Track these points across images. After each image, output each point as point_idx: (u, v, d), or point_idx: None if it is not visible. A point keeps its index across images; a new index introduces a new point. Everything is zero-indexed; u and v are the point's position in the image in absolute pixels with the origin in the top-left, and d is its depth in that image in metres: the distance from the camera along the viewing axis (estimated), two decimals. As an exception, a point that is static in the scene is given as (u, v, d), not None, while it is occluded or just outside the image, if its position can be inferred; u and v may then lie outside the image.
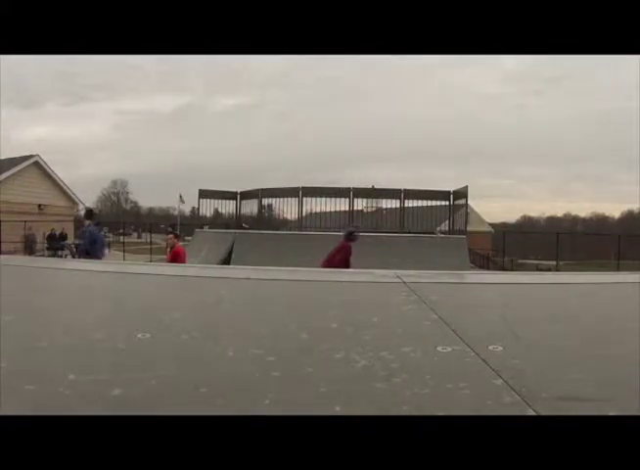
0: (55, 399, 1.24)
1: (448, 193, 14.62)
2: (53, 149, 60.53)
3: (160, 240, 18.74)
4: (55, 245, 18.05)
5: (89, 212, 7.61)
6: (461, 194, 14.19)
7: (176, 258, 8.17)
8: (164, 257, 9.87)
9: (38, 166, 21.79)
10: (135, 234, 39.66)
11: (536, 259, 21.11)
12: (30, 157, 21.51)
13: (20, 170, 20.65)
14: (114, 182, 52.73)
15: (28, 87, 70.13)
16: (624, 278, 4.37)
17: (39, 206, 21.23)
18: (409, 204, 15.16)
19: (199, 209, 16.45)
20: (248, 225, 14.51)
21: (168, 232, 18.50)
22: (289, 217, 15.78)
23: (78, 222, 24.63)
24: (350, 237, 7.86)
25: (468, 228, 15.00)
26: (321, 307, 2.66)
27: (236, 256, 9.46)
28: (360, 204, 15.44)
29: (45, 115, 67.78)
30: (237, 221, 15.37)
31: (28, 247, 17.67)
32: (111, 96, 73.50)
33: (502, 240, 19.54)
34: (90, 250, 6.71)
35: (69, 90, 76.49)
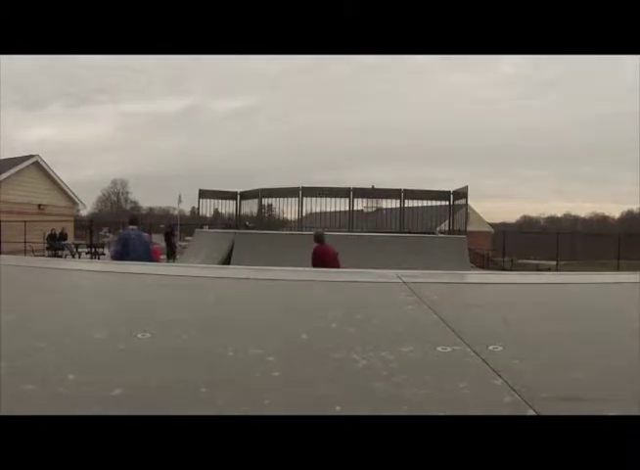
0: (55, 399, 1.24)
1: (448, 193, 14.63)
2: (56, 150, 60.64)
3: (159, 240, 18.76)
4: (55, 245, 18.06)
5: (133, 218, 7.40)
6: (461, 194, 14.20)
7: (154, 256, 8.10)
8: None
9: (38, 166, 21.79)
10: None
11: (536, 259, 21.10)
12: (30, 157, 21.51)
13: (20, 170, 20.65)
14: (114, 182, 52.70)
15: (33, 89, 70.31)
16: (624, 278, 4.37)
17: (39, 206, 21.23)
18: (409, 204, 15.17)
19: (199, 209, 16.49)
20: (252, 224, 14.52)
21: (167, 232, 18.51)
22: (289, 217, 15.80)
23: (77, 222, 24.67)
24: (321, 239, 8.14)
25: (468, 228, 15.01)
26: (321, 307, 2.66)
27: (236, 256, 9.47)
28: (360, 204, 15.46)
29: (49, 116, 67.86)
30: (237, 221, 15.37)
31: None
32: (114, 99, 73.55)
33: (502, 240, 19.56)
34: (126, 255, 6.49)
35: (73, 93, 76.63)
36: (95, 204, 49.80)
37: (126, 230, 6.95)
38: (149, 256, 6.83)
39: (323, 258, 8.02)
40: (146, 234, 8.06)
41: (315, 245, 8.11)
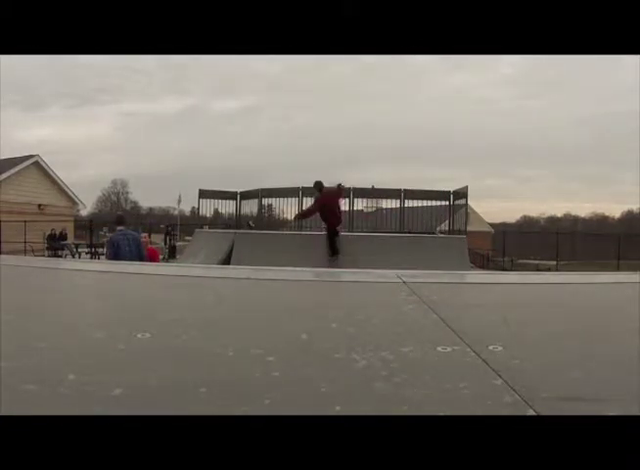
0: (55, 399, 1.24)
1: (448, 193, 14.62)
2: (56, 150, 60.71)
3: (159, 240, 18.78)
4: (55, 245, 18.05)
5: (119, 218, 7.45)
6: (461, 194, 14.19)
7: (152, 257, 8.13)
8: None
9: (38, 166, 21.79)
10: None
11: (536, 259, 21.09)
12: (30, 157, 21.51)
13: (20, 170, 20.65)
14: (114, 182, 52.70)
15: (33, 89, 70.35)
16: (624, 278, 4.37)
17: (39, 206, 21.23)
18: (409, 204, 15.16)
19: (199, 209, 16.46)
20: (254, 224, 14.52)
21: (167, 232, 18.59)
22: (289, 217, 15.79)
23: (77, 222, 24.66)
24: (321, 186, 9.01)
25: (468, 228, 15.00)
26: (321, 307, 2.66)
27: (236, 256, 9.45)
28: (360, 204, 15.45)
29: (49, 116, 67.89)
30: (237, 221, 15.35)
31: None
32: (114, 99, 73.56)
33: (502, 240, 19.55)
34: (118, 257, 6.51)
35: (74, 93, 76.63)
36: (95, 204, 49.84)
37: (115, 233, 6.95)
38: (141, 254, 6.86)
39: (326, 201, 8.84)
40: (144, 234, 8.05)
41: (318, 194, 8.96)
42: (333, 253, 9.19)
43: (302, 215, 10.22)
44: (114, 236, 7.03)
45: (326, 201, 8.87)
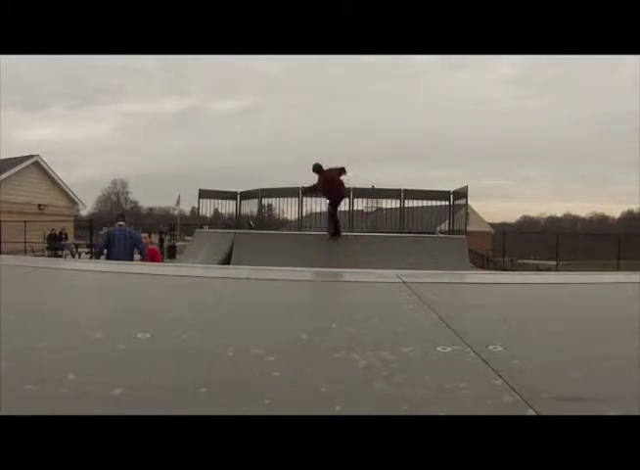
0: (55, 399, 1.25)
1: (448, 193, 14.63)
2: (56, 150, 60.69)
3: (159, 240, 18.83)
4: (55, 245, 18.05)
5: (119, 216, 7.63)
6: (461, 194, 14.20)
7: (153, 257, 8.19)
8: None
9: (38, 166, 21.77)
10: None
11: (536, 259, 21.08)
12: (30, 157, 21.50)
13: (20, 170, 20.63)
14: (114, 182, 52.64)
15: (33, 90, 70.40)
16: (624, 278, 4.37)
17: (39, 206, 21.22)
18: (409, 204, 15.17)
19: (199, 209, 16.47)
20: (254, 224, 14.52)
21: (160, 232, 18.65)
22: (289, 217, 15.79)
23: (77, 222, 24.67)
24: (320, 168, 9.27)
25: (468, 228, 15.00)
26: (321, 307, 2.66)
27: (236, 256, 9.45)
28: (360, 204, 15.46)
29: (50, 117, 67.91)
30: (237, 221, 15.36)
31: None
32: (114, 99, 73.50)
33: (502, 240, 19.55)
34: (111, 252, 6.59)
35: (74, 93, 76.66)
36: (95, 204, 49.75)
37: (114, 228, 7.07)
38: (142, 251, 6.93)
39: (330, 183, 9.18)
40: (144, 234, 8.14)
41: (319, 175, 9.22)
42: (335, 232, 9.57)
43: (310, 190, 10.93)
44: (112, 230, 7.12)
45: (328, 179, 9.22)
